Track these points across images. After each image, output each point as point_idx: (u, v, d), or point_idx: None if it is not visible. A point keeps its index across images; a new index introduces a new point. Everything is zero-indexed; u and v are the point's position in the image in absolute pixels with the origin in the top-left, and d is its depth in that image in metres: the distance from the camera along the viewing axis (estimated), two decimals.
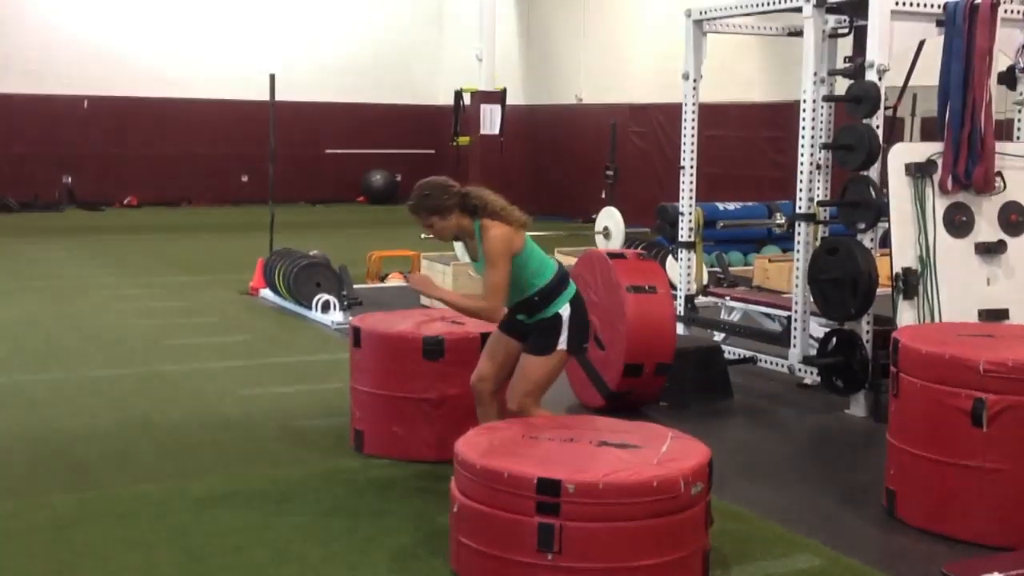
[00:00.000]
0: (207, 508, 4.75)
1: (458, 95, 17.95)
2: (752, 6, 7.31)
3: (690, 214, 7.94)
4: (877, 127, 6.24)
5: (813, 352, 6.81)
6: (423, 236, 5.27)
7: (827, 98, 6.89)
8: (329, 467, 5.35)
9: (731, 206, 12.17)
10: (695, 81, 7.86)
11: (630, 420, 4.56)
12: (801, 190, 6.86)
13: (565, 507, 3.69)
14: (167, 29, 20.56)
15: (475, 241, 4.66)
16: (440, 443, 5.24)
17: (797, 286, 6.94)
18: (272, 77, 11.09)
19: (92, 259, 13.14)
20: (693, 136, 7.89)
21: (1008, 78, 6.85)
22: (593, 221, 13.13)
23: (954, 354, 4.49)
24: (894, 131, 7.37)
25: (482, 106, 17.15)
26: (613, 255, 6.58)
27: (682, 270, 8.03)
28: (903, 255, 6.11)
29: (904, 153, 6.31)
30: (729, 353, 7.50)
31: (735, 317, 8.11)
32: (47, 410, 6.35)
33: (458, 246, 9.40)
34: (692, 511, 3.85)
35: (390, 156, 22.31)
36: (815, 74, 6.79)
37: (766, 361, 7.35)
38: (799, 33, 7.13)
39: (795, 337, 6.96)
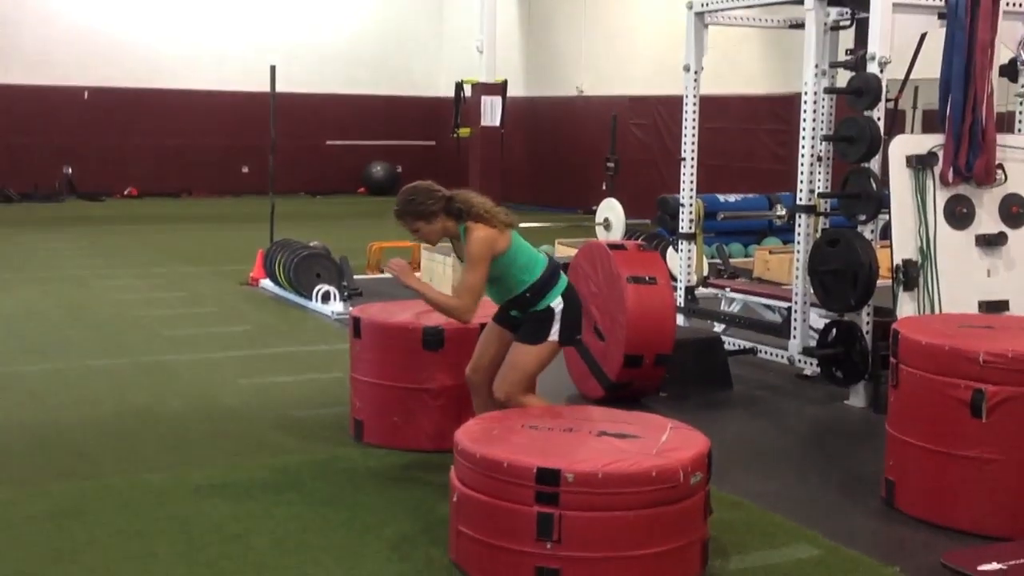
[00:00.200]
0: (207, 497, 4.75)
1: (459, 87, 17.94)
2: None
3: (691, 206, 7.94)
4: (878, 119, 6.24)
5: (813, 343, 6.81)
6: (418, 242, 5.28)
7: (828, 90, 6.89)
8: (329, 456, 5.36)
9: (732, 198, 12.15)
10: (696, 73, 7.85)
11: (630, 411, 4.56)
12: (802, 182, 6.86)
13: (564, 497, 3.69)
14: (168, 20, 20.55)
15: (461, 243, 4.68)
16: (440, 433, 5.25)
17: (797, 277, 6.94)
18: (273, 68, 11.07)
19: (92, 250, 13.14)
20: (694, 128, 7.88)
21: (1009, 71, 6.85)
22: (594, 212, 13.13)
23: (954, 345, 4.50)
24: (895, 123, 7.36)
25: (483, 97, 17.15)
26: (613, 246, 6.58)
27: (682, 261, 8.03)
28: (903, 247, 6.11)
29: (905, 145, 6.31)
30: (729, 344, 7.50)
31: (735, 308, 8.12)
32: (47, 399, 6.35)
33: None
34: (691, 501, 3.86)
35: (391, 148, 22.32)
36: (816, 66, 6.79)
37: (766, 352, 7.36)
38: (800, 25, 7.13)
39: (795, 328, 6.96)
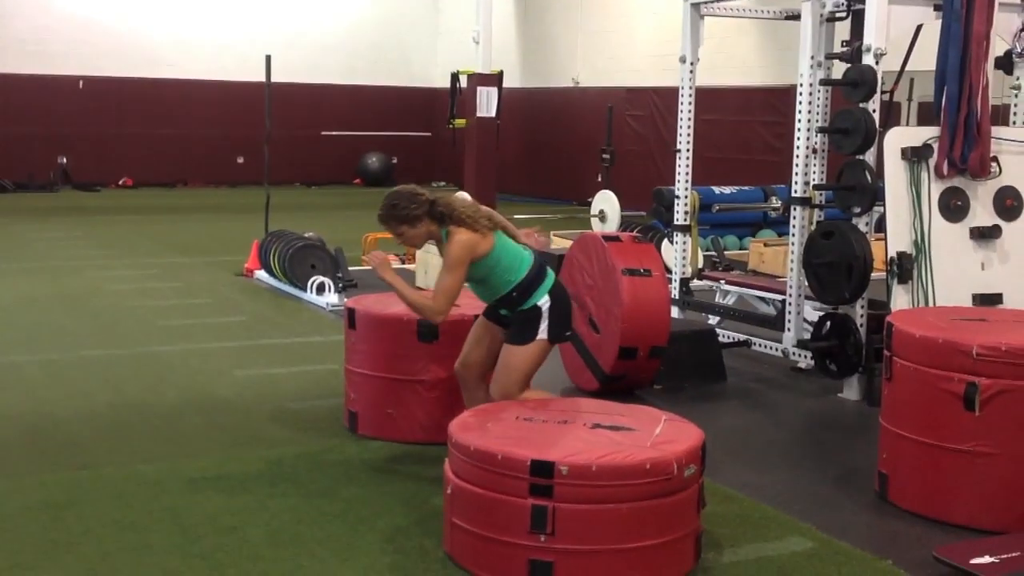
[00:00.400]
0: (201, 489, 4.75)
1: (455, 77, 17.89)
2: None
3: (686, 198, 7.94)
4: (874, 111, 6.24)
5: (807, 336, 6.82)
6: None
7: (824, 82, 6.88)
8: (323, 448, 5.36)
9: (727, 190, 12.16)
10: (692, 64, 7.85)
11: (624, 403, 4.56)
12: (797, 174, 6.86)
13: (558, 489, 3.70)
14: (164, 9, 20.50)
15: (444, 246, 4.70)
16: (434, 425, 5.26)
17: (792, 270, 6.95)
18: (268, 58, 11.06)
19: (87, 240, 13.12)
20: (690, 119, 7.88)
21: (1005, 63, 6.85)
22: (589, 204, 13.12)
23: (948, 338, 4.50)
24: (891, 115, 7.35)
25: (478, 88, 17.08)
26: (609, 238, 6.58)
27: (677, 253, 8.03)
28: (898, 239, 6.11)
29: (900, 137, 6.31)
30: (723, 336, 7.51)
31: (730, 301, 8.12)
32: (41, 390, 6.35)
33: None
34: (685, 493, 3.86)
35: (386, 138, 22.29)
36: (812, 58, 6.79)
37: (760, 345, 7.36)
38: (796, 17, 7.12)
39: (789, 321, 6.97)
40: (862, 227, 6.31)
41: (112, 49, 20.03)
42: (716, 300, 8.23)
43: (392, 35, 22.25)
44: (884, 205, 6.17)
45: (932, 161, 6.22)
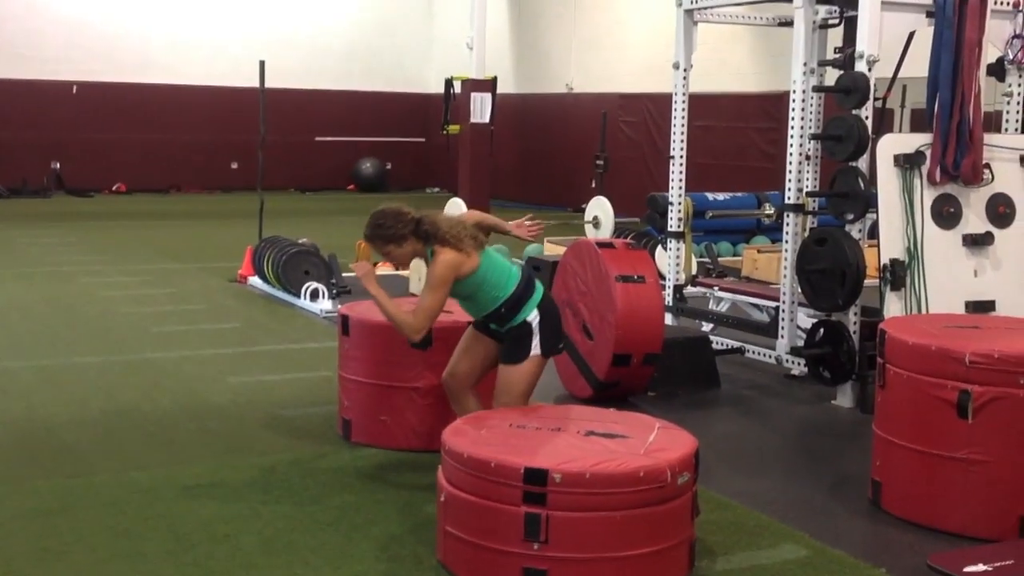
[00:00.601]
0: (195, 496, 4.74)
1: (448, 83, 17.91)
2: None
3: (679, 204, 7.95)
4: (866, 118, 6.25)
5: (801, 343, 6.82)
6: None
7: (817, 88, 6.90)
8: (317, 455, 5.36)
9: (720, 196, 12.17)
10: (685, 71, 7.86)
11: (618, 410, 4.56)
12: (790, 180, 6.87)
13: (552, 497, 3.69)
14: (158, 14, 20.48)
15: (429, 265, 4.71)
16: (428, 432, 5.25)
17: (785, 277, 6.95)
18: (262, 64, 11.05)
19: (80, 246, 13.10)
20: (683, 126, 7.89)
21: (997, 70, 6.86)
22: (583, 210, 13.12)
23: (940, 345, 4.51)
24: (883, 122, 7.37)
25: (472, 94, 17.10)
26: (602, 244, 6.59)
27: (671, 260, 8.04)
28: (891, 246, 6.12)
29: (893, 144, 6.32)
30: (717, 343, 7.51)
31: (723, 307, 8.13)
32: (34, 397, 6.33)
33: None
34: (678, 501, 3.86)
35: (380, 144, 22.28)
36: (805, 64, 6.80)
37: (754, 351, 7.37)
38: (790, 23, 7.14)
39: (783, 328, 6.97)
40: (855, 234, 6.32)
41: (105, 54, 20.00)
42: (710, 307, 8.24)
43: (386, 41, 22.25)
44: (877, 212, 6.18)
45: (925, 168, 6.24)
